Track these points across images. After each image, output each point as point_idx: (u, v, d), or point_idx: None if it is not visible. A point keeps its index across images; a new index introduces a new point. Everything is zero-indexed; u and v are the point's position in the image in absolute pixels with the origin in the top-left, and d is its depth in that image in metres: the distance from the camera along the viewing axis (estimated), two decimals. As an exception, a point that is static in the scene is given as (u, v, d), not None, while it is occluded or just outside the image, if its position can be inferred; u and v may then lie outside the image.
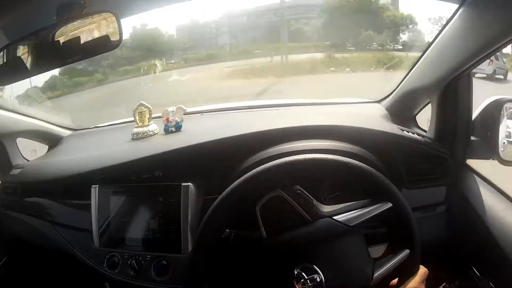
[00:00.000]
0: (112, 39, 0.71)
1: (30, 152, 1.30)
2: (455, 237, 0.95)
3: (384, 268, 0.69)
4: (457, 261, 0.96)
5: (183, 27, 8.02)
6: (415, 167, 0.91)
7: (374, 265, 0.70)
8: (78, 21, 0.70)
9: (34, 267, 1.12)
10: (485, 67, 6.49)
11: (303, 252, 0.69)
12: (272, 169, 0.72)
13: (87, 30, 0.71)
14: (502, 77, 6.77)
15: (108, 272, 0.92)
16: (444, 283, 0.97)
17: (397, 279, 0.73)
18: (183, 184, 0.89)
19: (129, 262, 0.90)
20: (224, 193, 0.73)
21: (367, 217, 0.70)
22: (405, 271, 0.71)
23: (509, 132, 0.94)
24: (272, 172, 0.72)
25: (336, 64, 6.96)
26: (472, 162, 0.99)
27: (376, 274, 0.68)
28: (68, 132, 1.36)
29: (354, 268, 0.70)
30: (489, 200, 0.87)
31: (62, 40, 0.70)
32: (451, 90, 0.92)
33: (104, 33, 0.71)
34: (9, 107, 1.17)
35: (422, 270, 0.73)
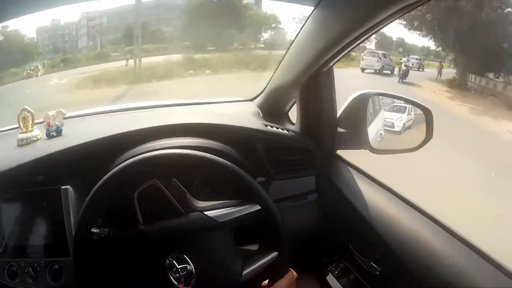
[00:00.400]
0: None
1: None
2: (329, 222, 1.02)
3: (254, 266, 0.72)
4: (335, 244, 1.02)
5: (43, 30, 6.77)
6: (281, 159, 0.97)
7: (244, 263, 0.73)
8: None
9: None
10: (374, 63, 7.78)
11: (174, 242, 0.72)
12: (132, 164, 0.74)
13: None
14: (389, 72, 8.00)
15: (10, 283, 0.87)
16: (330, 266, 1.02)
17: (267, 280, 0.77)
18: (62, 187, 0.88)
19: (26, 270, 0.87)
20: (91, 192, 0.73)
21: (237, 215, 0.73)
22: (274, 272, 0.75)
23: (392, 123, 1.08)
24: (133, 167, 0.74)
25: (195, 67, 6.95)
26: (342, 153, 1.07)
27: (245, 272, 0.71)
28: None
29: (223, 263, 0.73)
30: (358, 185, 0.95)
31: None
32: (312, 86, 1.00)
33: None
34: None
35: (291, 274, 0.77)
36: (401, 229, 0.81)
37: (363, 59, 8.02)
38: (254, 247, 0.81)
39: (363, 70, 7.90)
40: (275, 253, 0.73)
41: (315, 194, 1.04)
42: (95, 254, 0.72)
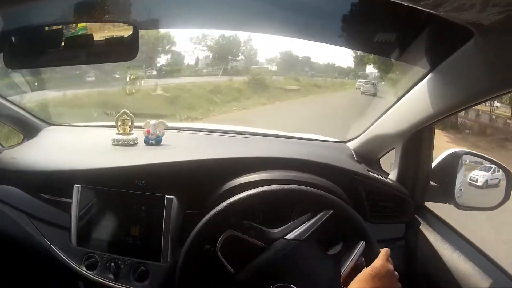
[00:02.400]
0: (127, 50, 0.72)
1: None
2: (413, 269, 1.02)
3: (347, 262, 0.75)
4: None
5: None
6: (378, 204, 0.99)
7: (338, 264, 0.76)
8: (97, 24, 0.69)
9: (4, 259, 1.04)
10: (371, 89, 9.24)
11: (272, 274, 0.73)
12: (259, 195, 0.78)
13: (104, 35, 0.70)
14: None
15: (86, 272, 0.92)
16: None
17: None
18: (167, 196, 0.92)
19: (107, 265, 0.92)
20: (213, 211, 0.77)
21: (314, 228, 0.76)
22: (367, 261, 0.76)
23: (476, 178, 1.11)
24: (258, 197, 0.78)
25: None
26: (430, 205, 1.10)
27: (343, 271, 0.74)
28: (45, 126, 1.31)
29: (320, 272, 0.75)
30: (443, 236, 0.97)
31: (76, 38, 0.69)
32: (414, 140, 1.03)
33: (121, 43, 0.71)
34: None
35: (384, 250, 0.77)
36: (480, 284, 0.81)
37: (363, 87, 9.95)
38: (338, 248, 0.83)
39: (362, 93, 9.90)
40: (362, 242, 0.76)
41: (402, 241, 1.06)
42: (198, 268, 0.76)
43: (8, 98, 1.19)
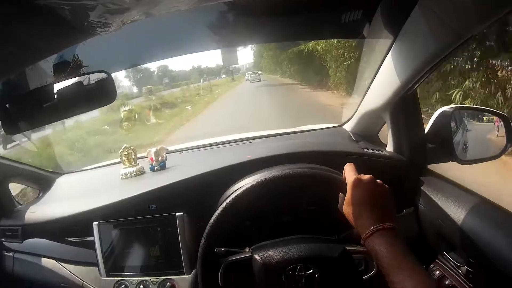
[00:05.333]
0: (107, 94, 0.78)
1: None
2: (424, 232, 1.05)
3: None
4: (431, 253, 1.04)
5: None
6: (380, 178, 1.01)
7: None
8: (75, 78, 0.75)
9: None
10: (256, 76, 14.44)
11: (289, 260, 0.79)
12: (261, 184, 0.83)
13: (83, 86, 0.76)
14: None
15: None
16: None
17: None
18: (177, 214, 0.99)
19: (138, 287, 0.99)
20: (212, 219, 0.82)
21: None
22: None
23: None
24: (260, 187, 0.83)
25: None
26: (433, 166, 1.12)
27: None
28: (57, 176, 1.39)
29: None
30: (450, 194, 0.97)
31: (60, 95, 0.74)
32: (400, 108, 1.05)
33: (100, 90, 0.77)
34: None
35: (346, 166, 0.80)
36: (493, 233, 0.82)
37: (250, 77, 14.99)
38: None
39: (251, 82, 14.60)
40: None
41: (411, 208, 1.07)
42: (217, 271, 0.81)
43: (15, 159, 1.27)
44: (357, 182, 0.73)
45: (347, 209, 0.73)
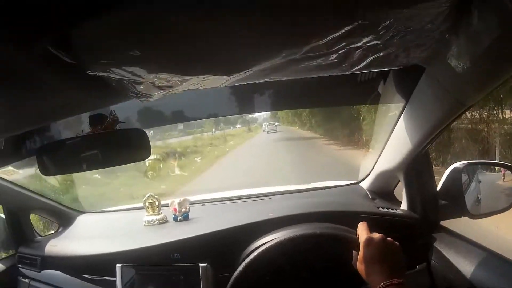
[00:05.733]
0: (141, 151, 0.83)
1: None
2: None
3: None
4: None
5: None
6: (393, 236, 1.02)
7: None
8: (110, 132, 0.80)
9: None
10: (273, 127, 15.57)
11: None
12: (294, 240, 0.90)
13: (118, 142, 0.82)
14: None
15: None
16: None
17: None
18: (200, 264, 1.02)
19: None
20: (235, 273, 0.89)
21: None
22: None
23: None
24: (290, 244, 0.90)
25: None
26: (445, 223, 1.15)
27: None
28: (78, 214, 1.45)
29: None
30: (462, 250, 1.00)
31: (94, 147, 0.80)
32: (413, 168, 1.10)
33: (135, 146, 0.83)
34: (24, 184, 1.28)
35: (359, 225, 0.84)
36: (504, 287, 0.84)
37: (267, 128, 16.29)
38: None
39: (268, 132, 15.84)
40: None
41: (423, 264, 1.09)
42: None
43: (38, 191, 1.34)
44: (369, 241, 0.78)
45: (360, 266, 0.78)
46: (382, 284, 0.70)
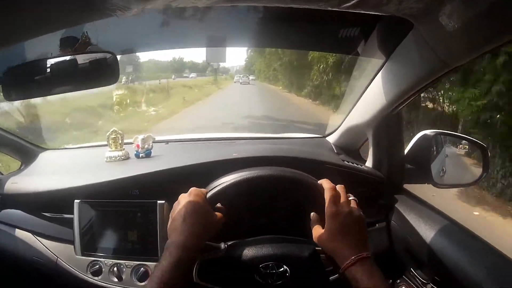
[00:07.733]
0: (109, 75, 0.79)
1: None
2: (394, 248, 1.09)
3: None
4: (398, 269, 1.08)
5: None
6: (356, 191, 1.00)
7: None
8: (80, 55, 0.75)
9: (14, 276, 1.11)
10: (246, 79, 16.32)
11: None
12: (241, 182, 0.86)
13: (86, 64, 0.76)
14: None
15: (92, 278, 1.00)
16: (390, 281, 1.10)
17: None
18: (159, 201, 1.01)
19: (111, 270, 1.00)
20: None
21: None
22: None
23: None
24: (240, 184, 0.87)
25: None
26: (408, 186, 1.16)
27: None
28: (41, 151, 1.39)
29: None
30: (422, 214, 1.03)
31: (63, 69, 0.75)
32: (383, 127, 1.10)
33: (103, 69, 0.78)
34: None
35: (326, 191, 0.80)
36: (459, 254, 0.87)
37: (240, 79, 16.80)
38: None
39: (240, 83, 16.13)
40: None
41: (383, 223, 1.11)
42: None
43: (3, 128, 1.26)
44: (335, 214, 0.76)
45: (323, 241, 0.76)
46: (352, 258, 0.69)
